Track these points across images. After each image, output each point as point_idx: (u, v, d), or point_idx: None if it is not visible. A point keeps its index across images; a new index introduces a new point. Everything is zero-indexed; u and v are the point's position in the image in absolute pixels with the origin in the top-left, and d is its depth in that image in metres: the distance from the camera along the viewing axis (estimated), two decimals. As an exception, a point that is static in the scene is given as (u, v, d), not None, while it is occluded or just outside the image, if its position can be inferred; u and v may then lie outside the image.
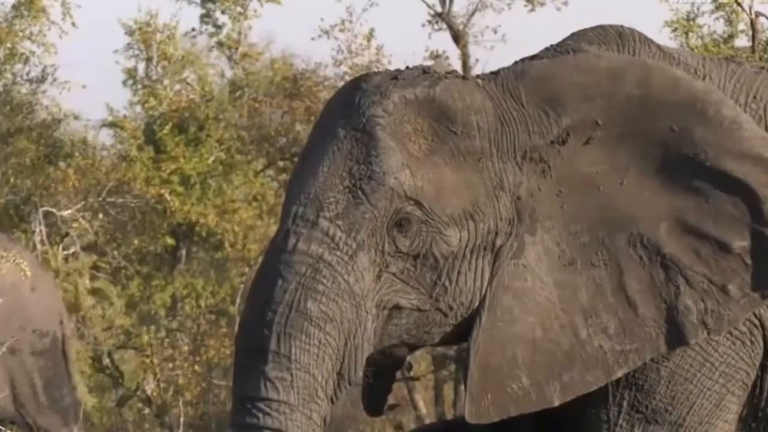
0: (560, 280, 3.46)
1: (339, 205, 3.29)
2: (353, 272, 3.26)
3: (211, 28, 14.20)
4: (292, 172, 3.70)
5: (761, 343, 3.65)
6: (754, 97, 3.82)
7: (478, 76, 3.64)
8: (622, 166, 3.58)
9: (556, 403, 3.44)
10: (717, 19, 14.58)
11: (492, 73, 3.70)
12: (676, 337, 3.49)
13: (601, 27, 3.85)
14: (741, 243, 3.53)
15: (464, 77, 3.64)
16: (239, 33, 14.22)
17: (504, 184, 3.42)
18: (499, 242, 3.42)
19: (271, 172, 14.30)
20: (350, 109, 3.37)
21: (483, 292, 3.41)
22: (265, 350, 3.24)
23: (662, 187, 3.57)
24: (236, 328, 3.80)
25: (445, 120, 3.38)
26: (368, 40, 13.59)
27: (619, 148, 3.58)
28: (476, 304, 3.42)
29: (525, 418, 3.54)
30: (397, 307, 3.35)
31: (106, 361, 12.74)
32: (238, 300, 13.29)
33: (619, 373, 3.47)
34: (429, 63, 13.62)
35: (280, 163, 13.94)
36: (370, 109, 3.33)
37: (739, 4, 10.03)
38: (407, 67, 3.69)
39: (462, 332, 3.44)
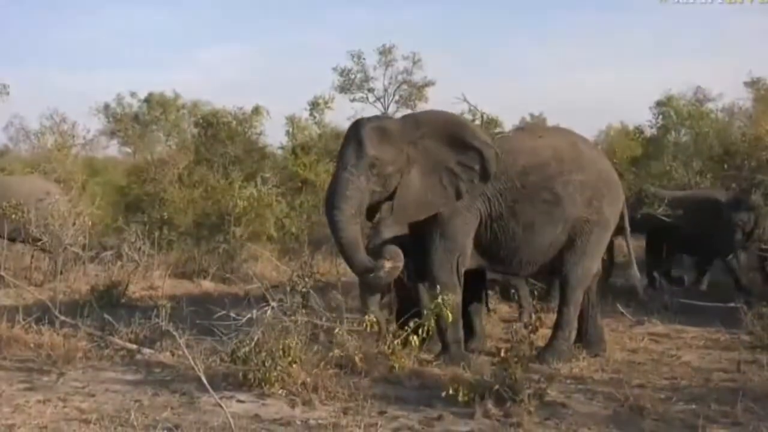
0: (423, 181, 8.65)
1: (351, 162, 8.49)
2: (358, 181, 8.46)
3: None
4: (339, 151, 8.89)
5: None
6: None
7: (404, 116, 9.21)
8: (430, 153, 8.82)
9: (421, 218, 8.73)
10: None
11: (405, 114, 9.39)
12: (457, 195, 8.75)
13: None
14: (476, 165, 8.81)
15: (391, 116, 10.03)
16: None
17: (406, 154, 8.68)
18: (404, 170, 8.61)
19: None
20: (355, 131, 8.67)
21: (397, 184, 8.64)
22: (333, 206, 8.51)
23: (448, 152, 8.80)
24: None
25: (386, 133, 8.66)
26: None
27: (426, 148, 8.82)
28: (395, 189, 8.66)
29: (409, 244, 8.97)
30: (373, 189, 8.56)
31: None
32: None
33: (433, 211, 8.73)
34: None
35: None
36: (361, 131, 8.57)
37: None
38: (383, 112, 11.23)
39: (390, 197, 8.67)
